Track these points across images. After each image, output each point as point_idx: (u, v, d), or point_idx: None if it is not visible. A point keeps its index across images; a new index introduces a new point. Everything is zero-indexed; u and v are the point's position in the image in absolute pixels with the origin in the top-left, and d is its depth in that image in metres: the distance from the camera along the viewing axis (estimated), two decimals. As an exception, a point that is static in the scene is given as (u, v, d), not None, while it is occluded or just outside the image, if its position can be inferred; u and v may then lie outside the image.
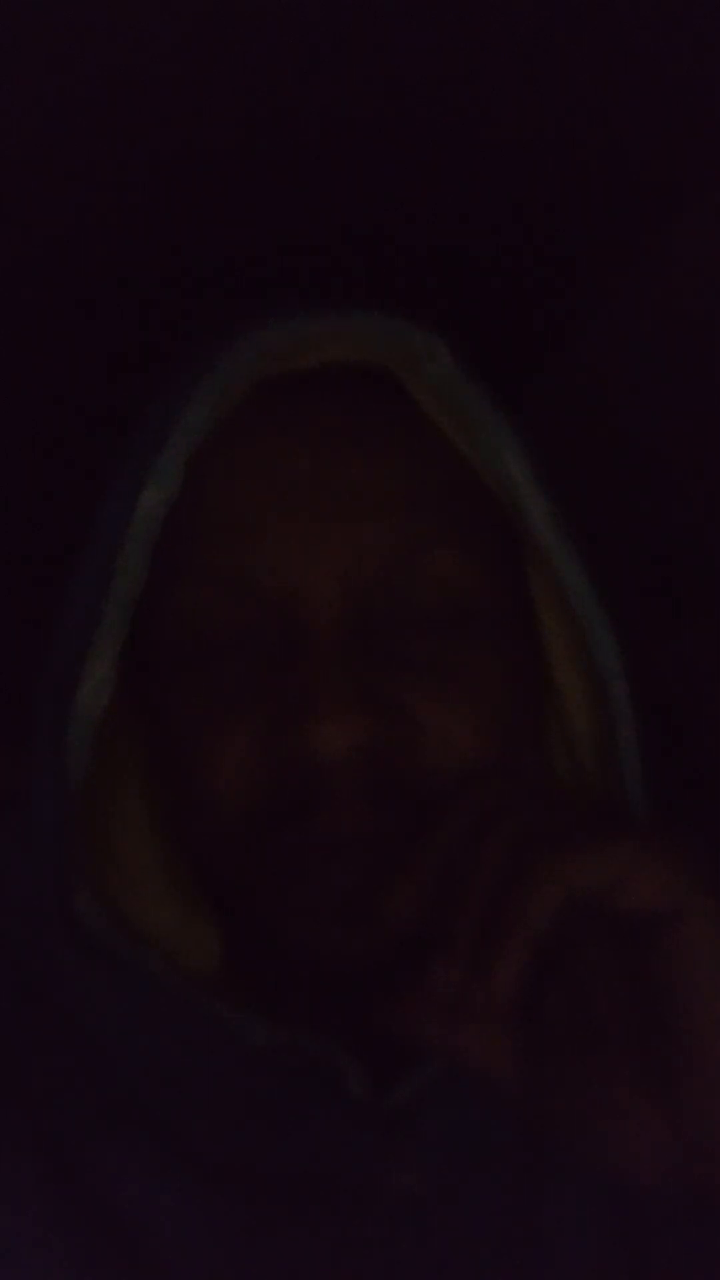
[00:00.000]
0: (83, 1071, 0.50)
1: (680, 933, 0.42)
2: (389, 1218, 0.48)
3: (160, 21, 0.58)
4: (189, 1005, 0.50)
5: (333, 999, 0.49)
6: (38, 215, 0.66)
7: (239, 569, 0.49)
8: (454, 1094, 0.50)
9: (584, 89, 0.64)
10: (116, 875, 0.54)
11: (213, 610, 0.49)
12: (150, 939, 0.52)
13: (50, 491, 0.68)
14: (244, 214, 0.68)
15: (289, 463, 0.49)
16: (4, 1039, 0.51)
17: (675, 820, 0.50)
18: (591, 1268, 0.49)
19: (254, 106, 0.63)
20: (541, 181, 0.68)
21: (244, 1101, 0.50)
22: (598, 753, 0.54)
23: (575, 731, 0.54)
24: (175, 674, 0.49)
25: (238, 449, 0.50)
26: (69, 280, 0.69)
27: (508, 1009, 0.43)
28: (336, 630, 0.48)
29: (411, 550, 0.49)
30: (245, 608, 0.49)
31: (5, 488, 0.71)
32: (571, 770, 0.55)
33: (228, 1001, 0.50)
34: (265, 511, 0.49)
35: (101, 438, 0.57)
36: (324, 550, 0.48)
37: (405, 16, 0.60)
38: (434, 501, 0.50)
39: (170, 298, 0.69)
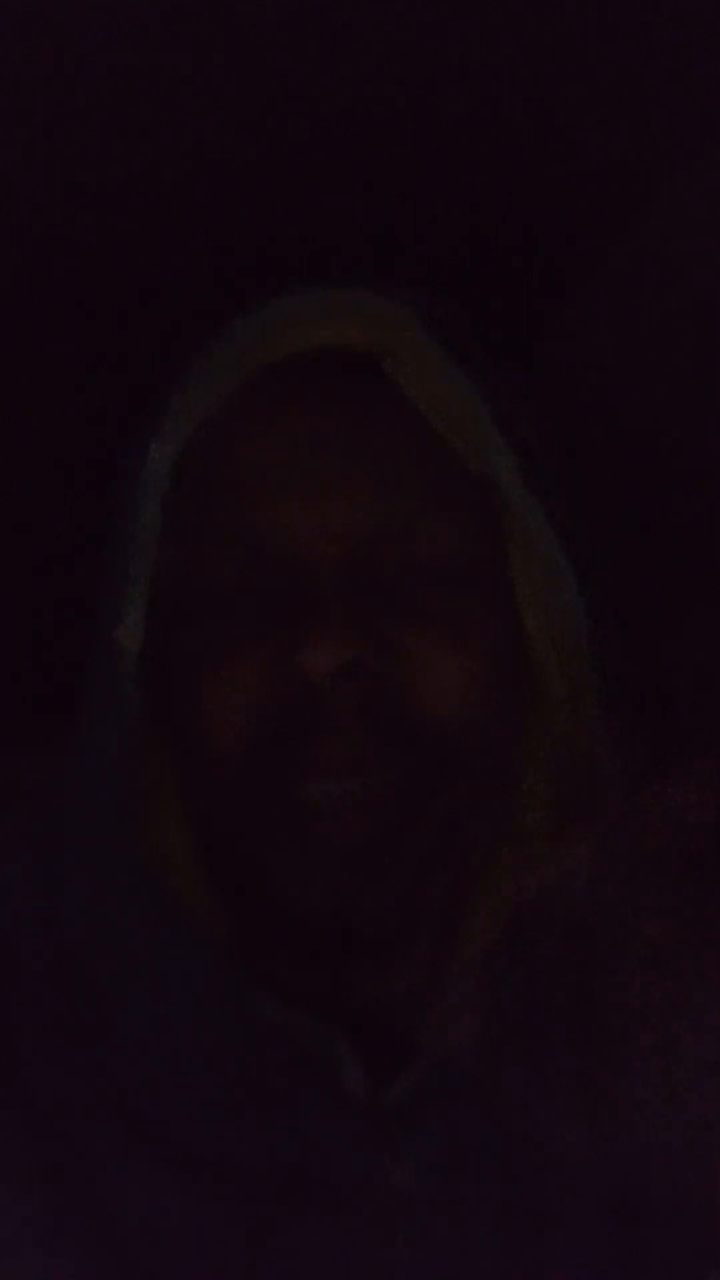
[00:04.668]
0: (83, 1068, 0.51)
1: (612, 932, 0.44)
2: (385, 1216, 0.49)
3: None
4: (203, 976, 0.51)
5: (326, 973, 0.51)
6: (36, 204, 0.66)
7: (247, 528, 0.51)
8: (451, 1093, 0.51)
9: (576, 60, 0.63)
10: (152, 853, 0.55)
11: (221, 566, 0.52)
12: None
13: (47, 503, 0.69)
14: (235, 198, 0.68)
15: (290, 431, 0.52)
16: (4, 1037, 0.52)
17: (648, 790, 0.52)
18: (589, 1266, 0.50)
19: (244, 91, 0.62)
20: (532, 156, 0.67)
21: (243, 1098, 0.51)
22: (571, 720, 0.55)
23: (550, 700, 0.56)
24: (186, 627, 0.52)
25: (244, 420, 0.53)
26: (65, 267, 0.69)
27: (465, 992, 0.46)
28: (336, 579, 0.50)
29: (409, 514, 0.52)
30: (252, 564, 0.51)
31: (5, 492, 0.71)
32: (548, 739, 0.56)
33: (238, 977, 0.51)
34: (270, 474, 0.51)
35: (101, 432, 0.57)
36: (325, 510, 0.51)
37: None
38: (424, 471, 0.53)
39: (164, 283, 0.69)
